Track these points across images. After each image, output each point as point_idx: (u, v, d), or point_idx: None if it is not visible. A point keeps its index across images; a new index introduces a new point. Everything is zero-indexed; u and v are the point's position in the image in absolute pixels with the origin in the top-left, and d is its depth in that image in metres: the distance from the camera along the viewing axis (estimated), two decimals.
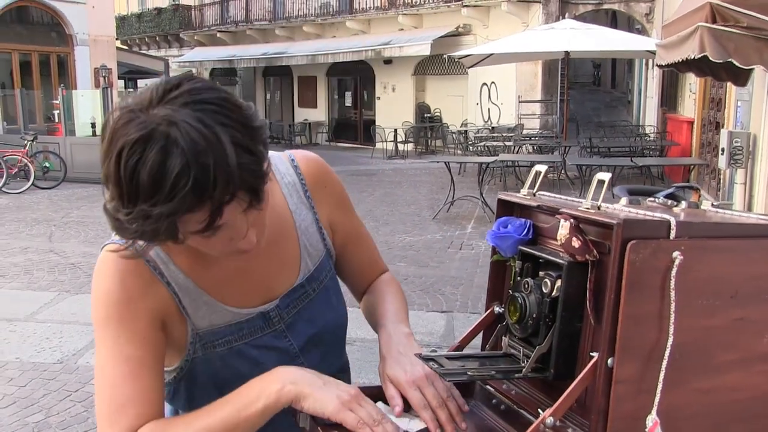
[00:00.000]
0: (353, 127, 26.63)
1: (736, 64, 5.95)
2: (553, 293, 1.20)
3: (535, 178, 1.37)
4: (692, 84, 14.53)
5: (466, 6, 20.80)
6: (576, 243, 1.15)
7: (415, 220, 11.03)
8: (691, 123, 13.92)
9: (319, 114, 27.62)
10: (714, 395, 1.17)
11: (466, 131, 19.81)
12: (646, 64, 19.14)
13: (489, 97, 21.27)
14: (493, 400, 1.38)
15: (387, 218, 11.20)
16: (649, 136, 16.83)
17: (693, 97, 13.74)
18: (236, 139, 1.04)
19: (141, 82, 18.81)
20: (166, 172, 1.00)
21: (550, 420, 1.11)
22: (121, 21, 31.86)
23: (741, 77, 8.42)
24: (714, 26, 5.86)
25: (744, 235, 1.19)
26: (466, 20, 21.27)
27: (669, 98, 16.93)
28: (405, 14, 22.74)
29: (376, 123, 23.39)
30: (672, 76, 16.96)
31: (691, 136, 13.94)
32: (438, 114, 23.19)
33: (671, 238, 1.10)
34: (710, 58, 5.97)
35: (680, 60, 6.95)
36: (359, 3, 24.19)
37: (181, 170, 0.99)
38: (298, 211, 1.43)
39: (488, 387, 1.41)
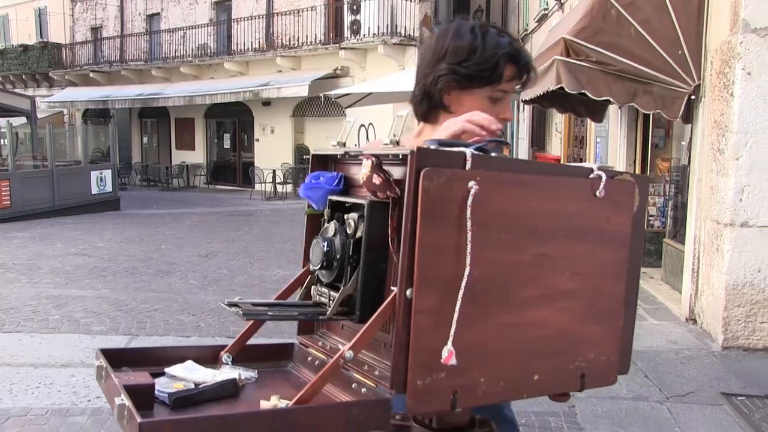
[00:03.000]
0: (232, 169, 26.28)
1: (590, 96, 6.29)
2: (357, 234, 1.19)
3: (348, 129, 1.36)
4: (558, 124, 15.24)
5: (343, 48, 21.09)
6: (377, 180, 1.14)
7: (290, 256, 10.92)
8: (558, 160, 14.54)
9: (197, 156, 27.10)
10: (519, 331, 1.18)
11: None
12: (518, 107, 19.93)
13: (367, 138, 21.52)
14: (309, 358, 1.34)
15: (262, 255, 11.05)
16: None
17: (559, 136, 14.40)
18: None
19: (2, 121, 17.93)
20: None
21: (349, 354, 1.08)
22: None
23: (597, 113, 8.91)
24: (568, 59, 6.19)
25: (540, 172, 1.21)
26: (344, 62, 21.55)
27: (538, 138, 17.67)
28: (283, 56, 22.80)
29: (255, 164, 23.17)
30: (541, 117, 17.75)
31: None
32: None
33: (467, 168, 1.10)
34: (566, 89, 6.29)
35: (542, 93, 7.29)
36: (237, 44, 24.08)
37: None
38: None
39: (304, 348, 1.37)
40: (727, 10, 5.80)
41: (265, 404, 1.10)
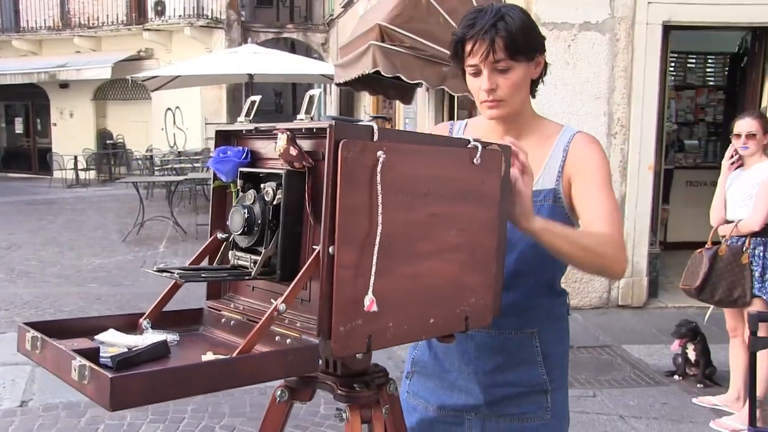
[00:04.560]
0: (26, 156, 24.55)
1: (404, 80, 6.62)
2: (275, 201, 1.31)
3: (250, 107, 1.47)
4: (366, 106, 15.71)
5: (147, 30, 20.34)
6: (293, 151, 1.27)
7: (104, 243, 10.53)
8: None
9: None
10: (417, 280, 1.36)
11: (151, 156, 19.30)
12: (325, 90, 20.22)
13: (174, 122, 20.97)
14: (222, 320, 1.45)
15: (72, 243, 10.56)
16: None
17: (367, 117, 14.82)
18: None
19: None
20: None
21: (282, 306, 1.21)
22: None
23: (407, 96, 9.33)
24: (383, 45, 6.46)
25: (430, 143, 1.40)
26: (149, 44, 20.80)
27: None
28: (82, 36, 21.59)
29: (53, 150, 21.82)
30: (348, 98, 18.16)
31: None
32: (121, 140, 22.30)
33: (374, 140, 1.27)
34: (382, 73, 6.57)
35: (356, 77, 7.55)
36: (28, 21, 22.45)
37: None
38: (555, 155, 1.81)
39: (216, 311, 1.48)
40: (522, 2, 6.37)
41: (206, 358, 1.21)
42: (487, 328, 1.64)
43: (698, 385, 4.90)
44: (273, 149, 1.30)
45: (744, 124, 4.21)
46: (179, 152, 19.06)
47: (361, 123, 1.27)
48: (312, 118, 1.30)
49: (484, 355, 1.82)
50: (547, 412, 1.86)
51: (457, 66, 1.78)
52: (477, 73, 1.72)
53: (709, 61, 9.79)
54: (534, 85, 1.82)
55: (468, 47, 1.70)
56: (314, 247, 1.25)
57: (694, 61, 9.73)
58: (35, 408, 4.50)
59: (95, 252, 9.82)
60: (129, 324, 1.39)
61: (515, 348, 1.82)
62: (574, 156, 1.80)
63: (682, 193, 9.02)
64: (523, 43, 1.69)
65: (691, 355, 4.98)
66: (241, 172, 1.40)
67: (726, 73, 9.61)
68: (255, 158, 1.43)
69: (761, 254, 4.17)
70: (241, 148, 1.43)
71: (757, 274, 4.16)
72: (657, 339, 5.93)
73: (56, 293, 7.47)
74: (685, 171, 9.17)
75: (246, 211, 1.32)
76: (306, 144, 1.30)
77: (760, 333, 3.12)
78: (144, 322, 1.38)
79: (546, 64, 1.81)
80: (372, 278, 1.25)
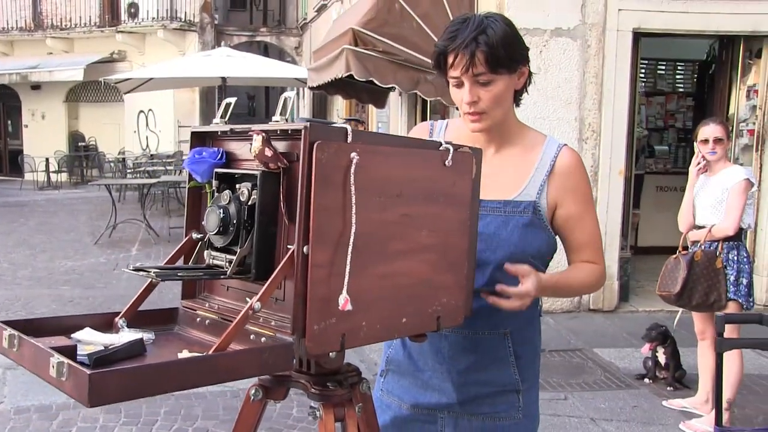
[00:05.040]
0: None
1: (376, 84, 6.65)
2: (250, 201, 1.33)
3: (225, 109, 1.49)
4: (339, 110, 15.72)
5: (120, 32, 20.20)
6: (268, 152, 1.29)
7: (76, 246, 10.44)
8: None
9: None
10: (390, 279, 1.39)
11: (124, 159, 19.16)
12: (298, 93, 20.20)
13: (147, 124, 20.84)
14: (197, 320, 1.47)
15: (44, 246, 10.46)
16: None
17: (340, 120, 14.84)
18: None
19: None
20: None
21: (257, 305, 1.23)
22: None
23: (380, 100, 9.36)
24: (356, 49, 6.48)
25: (402, 145, 1.43)
26: (122, 46, 20.66)
27: None
28: (54, 37, 21.39)
29: (25, 152, 21.58)
30: (321, 102, 18.15)
31: None
32: (93, 142, 22.10)
33: (348, 141, 1.29)
34: (355, 77, 6.60)
35: (330, 81, 7.56)
36: None
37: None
38: (540, 168, 1.84)
39: (191, 311, 1.49)
40: (494, 8, 6.43)
41: (182, 356, 1.23)
42: (461, 328, 1.69)
43: (668, 388, 4.97)
44: (248, 150, 1.32)
45: (710, 130, 4.29)
46: (152, 155, 18.94)
47: (335, 125, 1.30)
48: (287, 120, 1.32)
49: (458, 354, 1.85)
50: (519, 412, 1.89)
51: (441, 77, 1.81)
52: (459, 85, 1.75)
53: (679, 68, 9.95)
54: (518, 94, 1.85)
55: (450, 59, 1.72)
56: (289, 246, 1.27)
57: (663, 67, 9.89)
58: (6, 411, 4.46)
59: (67, 254, 9.73)
60: (105, 323, 1.41)
61: (488, 348, 1.85)
62: (562, 178, 1.84)
63: (653, 198, 9.15)
64: (505, 55, 1.70)
65: (661, 358, 5.05)
66: (216, 172, 1.42)
67: (695, 79, 9.78)
68: (230, 159, 1.45)
69: (735, 258, 4.25)
70: (216, 149, 1.45)
71: (732, 278, 4.24)
72: (628, 342, 6.00)
73: (28, 295, 7.39)
74: (655, 176, 9.30)
75: (221, 211, 1.34)
76: (281, 145, 1.32)
77: (727, 334, 3.24)
78: (120, 321, 1.40)
79: (530, 74, 1.84)
80: (346, 277, 1.27)
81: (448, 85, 1.80)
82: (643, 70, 9.04)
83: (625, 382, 5.14)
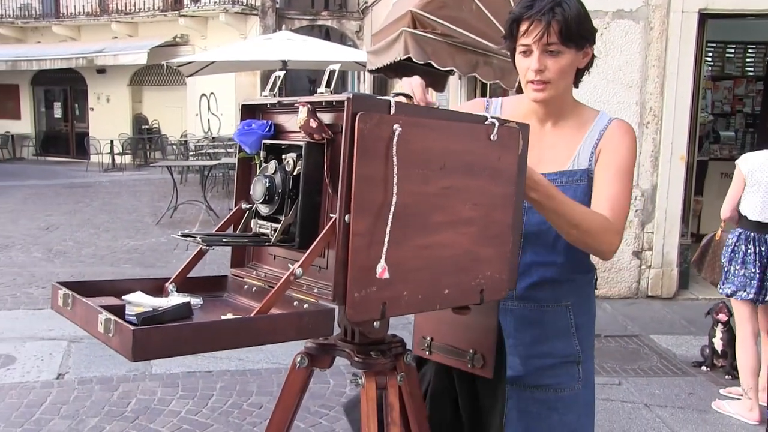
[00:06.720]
0: (64, 140, 24.97)
1: (435, 66, 6.63)
2: (295, 171, 1.36)
3: (274, 82, 1.52)
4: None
5: (183, 16, 20.54)
6: (313, 123, 1.32)
7: (138, 226, 10.72)
8: None
9: (23, 126, 25.48)
10: (430, 251, 1.40)
11: (186, 142, 19.53)
12: (358, 78, 20.26)
13: (209, 107, 21.17)
14: (245, 287, 1.51)
15: (108, 225, 10.76)
16: None
17: (391, 94, 14.82)
18: None
19: None
20: None
21: (299, 271, 1.26)
22: None
23: (439, 83, 9.31)
24: (415, 31, 6.47)
25: (446, 118, 1.44)
26: (184, 30, 21.00)
27: None
28: (119, 22, 21.89)
29: (90, 135, 22.18)
30: (381, 86, 18.14)
31: None
32: (156, 125, 22.58)
33: (391, 113, 1.31)
34: (413, 59, 6.59)
35: (388, 64, 7.57)
36: (67, 7, 22.78)
37: None
38: (590, 136, 1.87)
39: (239, 278, 1.53)
40: None
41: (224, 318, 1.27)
42: (526, 301, 1.83)
43: (726, 376, 4.87)
44: (294, 122, 1.35)
45: None
46: (213, 138, 19.25)
47: (379, 97, 1.31)
48: (332, 92, 1.34)
49: (523, 327, 1.91)
50: (579, 382, 1.94)
51: (509, 45, 1.85)
52: (527, 53, 1.79)
53: (749, 50, 9.65)
54: (579, 75, 1.88)
55: (523, 27, 1.77)
56: (331, 215, 1.29)
57: (732, 50, 9.60)
58: (71, 381, 4.63)
59: (129, 234, 10.00)
60: (155, 288, 1.46)
61: (552, 320, 1.91)
62: (606, 140, 1.87)
63: (717, 185, 8.90)
64: (576, 31, 1.75)
65: (718, 345, 4.96)
66: (264, 144, 1.45)
67: (766, 63, 9.47)
68: (278, 131, 1.48)
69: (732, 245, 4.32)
70: (265, 121, 1.49)
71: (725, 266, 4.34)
72: (686, 330, 5.90)
73: (91, 273, 7.63)
74: (720, 162, 9.05)
75: (267, 180, 1.37)
76: (326, 117, 1.35)
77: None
78: (170, 286, 1.45)
79: (593, 56, 1.87)
80: (385, 246, 1.29)
81: (513, 55, 1.85)
82: (709, 53, 8.80)
83: (682, 370, 5.06)
